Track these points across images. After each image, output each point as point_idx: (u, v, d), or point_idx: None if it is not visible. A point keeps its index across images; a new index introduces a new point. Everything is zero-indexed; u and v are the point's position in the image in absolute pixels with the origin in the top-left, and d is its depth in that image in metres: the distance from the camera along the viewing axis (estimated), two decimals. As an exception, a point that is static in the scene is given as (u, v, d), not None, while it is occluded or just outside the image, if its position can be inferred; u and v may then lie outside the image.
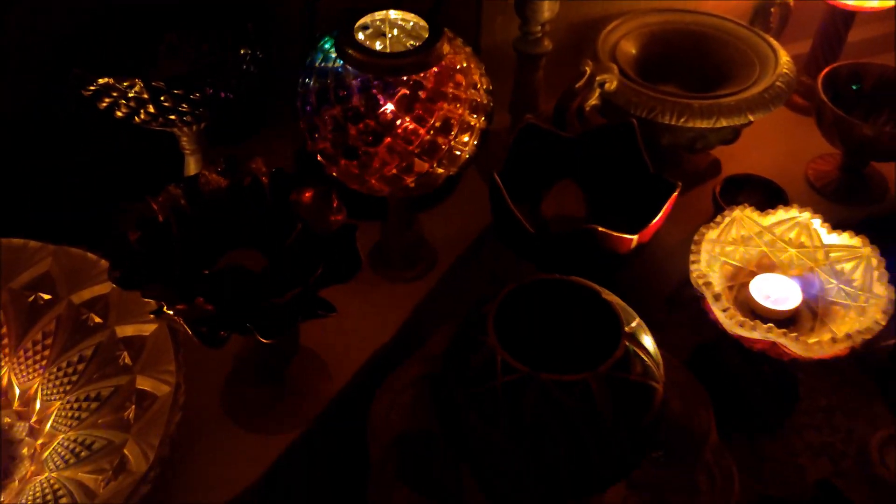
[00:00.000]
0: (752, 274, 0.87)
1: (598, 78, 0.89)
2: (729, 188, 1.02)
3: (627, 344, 0.64)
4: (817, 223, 0.85)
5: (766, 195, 1.02)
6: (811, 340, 0.75)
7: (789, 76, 0.95)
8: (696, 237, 0.84)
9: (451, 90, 0.71)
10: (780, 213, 0.86)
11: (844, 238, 0.84)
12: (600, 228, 0.77)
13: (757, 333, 0.76)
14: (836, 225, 1.03)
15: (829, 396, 0.94)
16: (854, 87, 1.03)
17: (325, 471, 0.76)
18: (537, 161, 0.91)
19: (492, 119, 0.78)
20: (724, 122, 0.90)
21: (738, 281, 0.87)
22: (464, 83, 0.73)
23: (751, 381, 0.89)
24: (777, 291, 0.84)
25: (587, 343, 0.68)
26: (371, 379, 0.79)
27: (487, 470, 0.69)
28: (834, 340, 0.74)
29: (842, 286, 0.83)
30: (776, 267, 0.87)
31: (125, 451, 0.66)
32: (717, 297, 0.78)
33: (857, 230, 1.02)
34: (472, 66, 0.75)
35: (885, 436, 0.87)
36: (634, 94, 0.92)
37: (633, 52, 0.99)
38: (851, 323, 0.80)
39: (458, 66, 0.73)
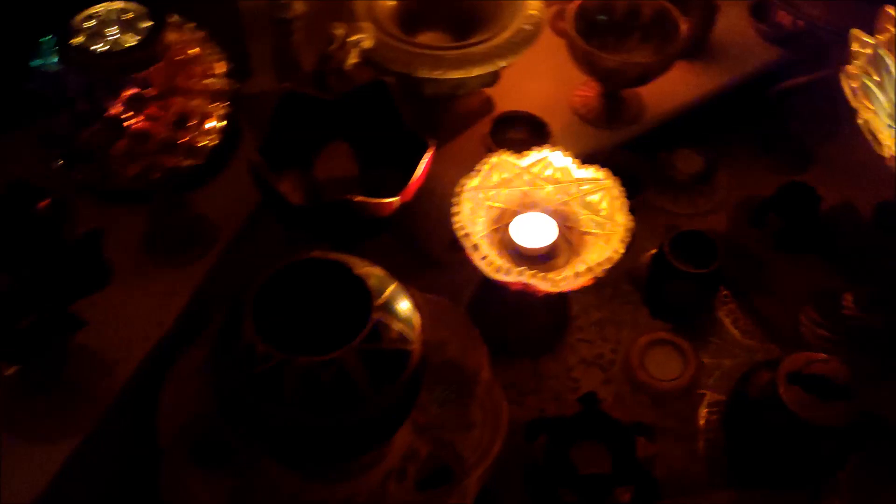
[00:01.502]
0: (517, 213, 0.93)
1: (351, 39, 0.90)
2: (499, 127, 1.07)
3: (378, 317, 0.68)
4: (569, 160, 0.92)
5: (533, 130, 1.08)
6: (558, 277, 0.82)
7: (536, 16, 0.99)
8: (456, 188, 0.88)
9: (183, 83, 0.71)
10: (534, 154, 0.92)
11: (591, 172, 0.91)
12: (356, 198, 0.80)
13: (510, 277, 0.82)
14: (601, 149, 1.11)
15: (602, 310, 1.04)
16: (602, 18, 1.09)
17: (116, 468, 0.78)
18: (304, 125, 0.92)
19: (239, 98, 0.78)
20: (476, 71, 0.94)
21: (504, 221, 0.93)
22: (198, 73, 0.72)
23: (526, 310, 0.97)
24: (535, 229, 0.90)
25: (347, 316, 0.72)
26: (157, 369, 0.81)
27: (271, 441, 0.73)
28: (577, 275, 0.82)
29: (592, 216, 0.91)
30: (537, 204, 0.94)
31: None
32: (475, 248, 0.84)
33: (621, 150, 1.11)
34: (207, 52, 0.74)
35: (644, 343, 0.97)
36: (390, 51, 0.94)
37: (392, 3, 1.00)
38: (600, 250, 0.88)
39: (190, 56, 0.72)
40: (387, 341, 0.68)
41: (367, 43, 0.92)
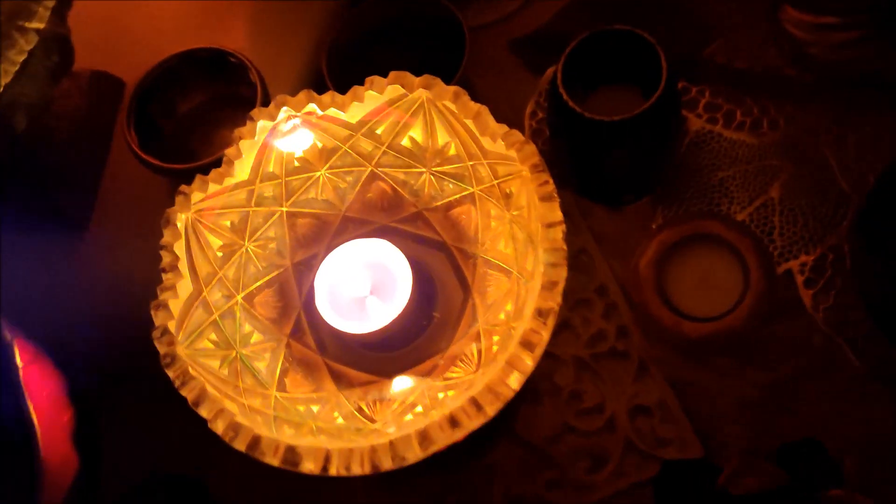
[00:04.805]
0: (308, 268, 0.43)
1: None
2: (148, 121, 0.53)
3: None
4: (314, 107, 0.41)
5: (216, 74, 0.54)
6: (474, 389, 0.34)
7: None
8: (159, 348, 0.37)
9: None
10: (248, 147, 0.41)
11: (372, 98, 0.40)
12: None
13: (435, 446, 0.34)
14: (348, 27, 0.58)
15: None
16: None
17: None
18: None
19: None
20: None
21: (296, 300, 0.43)
22: None
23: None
24: (365, 277, 0.41)
25: None
26: None
27: None
28: (509, 364, 0.33)
29: (438, 169, 0.42)
30: (328, 221, 0.44)
31: None
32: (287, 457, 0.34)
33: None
34: None
35: (648, 271, 0.52)
36: None
37: None
38: (508, 232, 0.40)
39: None
40: None
41: None
